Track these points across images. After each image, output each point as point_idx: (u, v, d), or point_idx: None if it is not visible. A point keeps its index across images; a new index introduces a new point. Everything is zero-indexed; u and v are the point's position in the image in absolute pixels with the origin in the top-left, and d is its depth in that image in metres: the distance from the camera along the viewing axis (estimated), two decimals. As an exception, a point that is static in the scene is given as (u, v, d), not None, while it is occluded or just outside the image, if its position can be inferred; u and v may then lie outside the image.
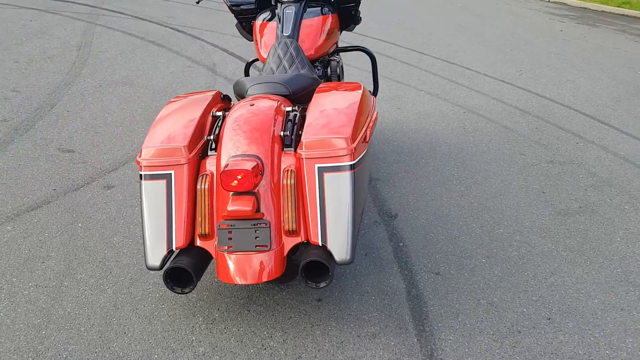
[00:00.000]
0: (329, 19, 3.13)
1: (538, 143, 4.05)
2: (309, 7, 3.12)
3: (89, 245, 2.70)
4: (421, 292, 2.45)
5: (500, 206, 3.17)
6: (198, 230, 2.10)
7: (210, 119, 2.33)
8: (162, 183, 2.11)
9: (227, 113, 2.34)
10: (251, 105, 2.27)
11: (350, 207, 2.02)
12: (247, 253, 2.02)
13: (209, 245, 2.11)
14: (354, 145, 2.05)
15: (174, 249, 2.09)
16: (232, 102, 2.61)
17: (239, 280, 2.03)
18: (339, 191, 2.02)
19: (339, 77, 3.27)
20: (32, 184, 3.23)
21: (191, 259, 2.05)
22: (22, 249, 2.66)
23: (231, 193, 2.02)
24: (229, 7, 3.26)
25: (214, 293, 2.40)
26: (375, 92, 3.56)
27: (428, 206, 3.15)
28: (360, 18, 3.33)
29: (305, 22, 3.04)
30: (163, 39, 6.28)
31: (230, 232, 2.02)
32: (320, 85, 2.48)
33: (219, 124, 2.30)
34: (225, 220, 2.03)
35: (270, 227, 2.02)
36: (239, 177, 1.96)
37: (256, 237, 2.02)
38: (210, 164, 2.17)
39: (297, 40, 2.93)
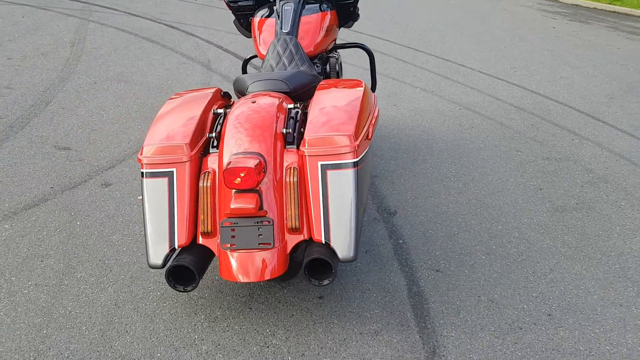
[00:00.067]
0: (328, 16, 3.12)
1: (534, 140, 4.07)
2: (307, 4, 3.11)
3: (88, 243, 2.69)
4: (422, 289, 2.46)
5: (498, 203, 3.18)
6: (200, 228, 2.09)
7: (211, 116, 2.33)
8: (164, 181, 2.10)
9: (228, 110, 2.33)
10: (253, 102, 2.26)
11: (353, 205, 2.02)
12: (250, 251, 2.02)
13: (212, 243, 2.10)
14: (357, 142, 2.05)
15: (176, 247, 2.08)
16: (232, 100, 2.60)
17: (241, 278, 2.03)
18: (342, 189, 2.02)
19: (338, 74, 3.26)
20: (28, 181, 3.21)
21: (193, 257, 2.05)
22: (21, 248, 2.64)
23: (234, 191, 2.02)
24: (227, 4, 3.24)
25: (215, 291, 2.39)
26: (373, 89, 3.57)
27: (426, 203, 3.15)
28: (359, 15, 3.33)
29: (304, 19, 3.03)
30: (157, 35, 6.25)
31: (233, 229, 2.01)
32: (322, 83, 2.48)
33: (220, 121, 2.29)
34: (228, 218, 2.02)
35: (273, 224, 2.02)
36: (242, 174, 1.96)
37: (259, 235, 2.01)
38: (212, 162, 2.16)
39: (296, 37, 2.92)
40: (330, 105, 2.22)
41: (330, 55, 3.25)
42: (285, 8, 3.00)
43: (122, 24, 6.60)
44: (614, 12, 9.75)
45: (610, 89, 5.34)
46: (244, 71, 3.63)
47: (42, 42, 5.74)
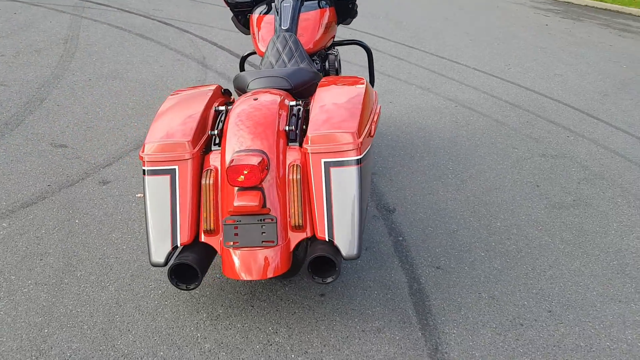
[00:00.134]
0: (327, 13, 3.12)
1: (530, 137, 4.09)
2: (306, 1, 3.10)
3: (87, 241, 2.67)
4: (423, 286, 2.47)
5: (496, 200, 3.20)
6: (203, 226, 2.09)
7: (212, 113, 2.32)
8: (166, 178, 2.09)
9: (229, 108, 2.32)
10: (254, 99, 2.25)
11: (357, 202, 2.02)
12: (253, 249, 2.02)
13: (214, 241, 2.10)
14: (360, 139, 2.05)
15: (178, 245, 2.07)
16: (232, 97, 2.59)
17: (244, 276, 2.02)
18: (345, 186, 2.02)
19: (337, 71, 3.26)
20: (25, 179, 3.18)
21: (196, 255, 2.04)
22: (20, 246, 2.62)
23: (237, 188, 2.01)
24: (224, 1, 3.23)
25: (216, 289, 2.39)
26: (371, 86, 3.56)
27: (425, 200, 3.16)
28: (357, 12, 3.33)
29: (303, 16, 3.03)
30: (151, 32, 6.22)
31: (236, 227, 2.01)
32: (323, 80, 2.48)
33: (222, 118, 2.28)
34: (231, 215, 2.02)
35: (276, 222, 2.01)
36: (245, 172, 1.95)
37: (262, 233, 2.01)
38: (214, 159, 2.16)
39: (295, 34, 2.92)
40: (333, 103, 2.21)
41: (329, 52, 3.24)
42: (284, 5, 2.99)
43: (115, 20, 6.55)
44: (605, 9, 9.80)
45: (604, 86, 5.37)
46: (242, 68, 3.62)
47: (36, 38, 5.70)
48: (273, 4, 3.08)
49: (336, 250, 2.01)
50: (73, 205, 2.96)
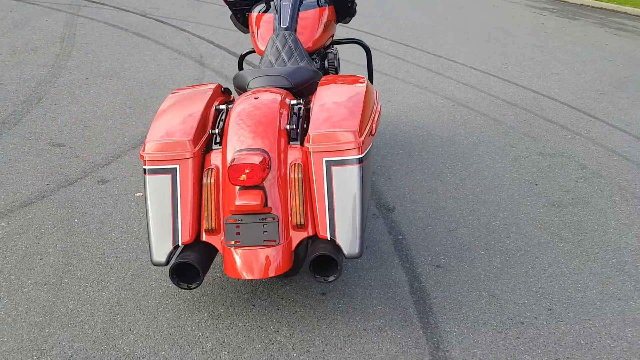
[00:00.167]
0: (326, 11, 3.12)
1: (527, 135, 4.10)
2: (305, -1, 3.10)
3: (87, 241, 2.67)
4: (423, 284, 2.47)
5: (495, 198, 3.20)
6: (204, 225, 2.08)
7: (213, 112, 2.31)
8: (167, 177, 2.09)
9: (230, 106, 2.32)
10: (255, 98, 2.25)
11: (358, 201, 2.02)
12: (255, 248, 2.01)
13: (216, 240, 2.09)
14: (362, 138, 2.05)
15: (180, 244, 2.07)
16: (232, 96, 2.59)
17: (246, 275, 2.02)
18: (347, 185, 2.02)
19: (336, 70, 3.26)
20: (24, 179, 3.17)
21: (197, 254, 2.04)
22: (19, 246, 2.61)
23: (238, 187, 2.01)
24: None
25: (217, 288, 2.39)
26: (370, 85, 3.56)
27: (424, 199, 3.17)
28: (356, 10, 3.32)
29: (303, 14, 3.02)
30: (147, 30, 6.20)
31: (238, 226, 2.01)
32: (324, 79, 2.47)
33: (223, 117, 2.28)
34: (233, 214, 2.02)
35: (278, 221, 2.01)
36: (247, 171, 1.95)
37: (264, 232, 2.01)
38: (215, 158, 2.15)
39: (294, 33, 2.91)
40: (334, 101, 2.21)
41: (329, 51, 3.24)
42: (284, 3, 2.98)
43: (111, 18, 6.54)
44: (601, 8, 9.82)
45: (600, 84, 5.38)
46: (240, 67, 3.61)
47: (32, 37, 5.67)
48: (272, 3, 3.08)
49: (338, 249, 2.01)
50: (72, 205, 2.95)
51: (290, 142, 2.16)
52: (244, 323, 2.21)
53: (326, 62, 3.19)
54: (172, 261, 2.03)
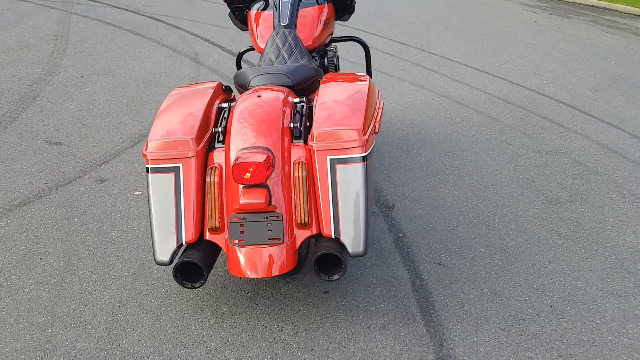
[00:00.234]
0: (325, 9, 3.11)
1: (524, 133, 4.12)
2: (304, -3, 3.10)
3: (87, 240, 2.65)
4: (425, 282, 2.48)
5: (493, 196, 3.22)
6: (208, 224, 2.08)
7: (215, 110, 2.31)
8: (170, 176, 2.08)
9: (232, 105, 2.31)
10: (258, 96, 2.24)
11: (362, 200, 2.02)
12: (259, 246, 2.01)
13: (219, 239, 2.09)
14: (366, 136, 2.05)
15: (183, 243, 2.06)
16: (233, 94, 2.58)
17: (250, 274, 2.02)
18: (351, 183, 2.02)
19: (336, 68, 3.26)
20: (22, 178, 3.15)
21: (201, 253, 2.03)
22: (19, 245, 2.60)
23: (242, 186, 2.01)
24: (222, -3, 3.21)
25: (220, 287, 2.38)
26: (368, 83, 3.56)
27: (423, 197, 3.17)
28: (354, 8, 3.32)
29: (302, 12, 3.02)
30: (142, 28, 6.17)
31: (242, 225, 2.00)
32: (326, 77, 2.47)
33: (225, 115, 2.27)
34: (237, 213, 2.01)
35: (282, 219, 2.01)
36: (251, 169, 1.95)
37: (269, 230, 2.01)
38: (218, 157, 2.15)
39: (294, 30, 2.91)
40: (337, 100, 2.21)
41: (328, 48, 3.24)
42: (283, 1, 2.98)
43: (105, 16, 6.50)
44: (593, 5, 9.87)
45: (594, 82, 5.41)
46: (239, 65, 3.60)
47: (25, 34, 5.63)
48: (271, 0, 3.07)
49: (342, 247, 2.02)
50: (71, 204, 2.93)
51: (294, 141, 2.15)
52: (248, 322, 2.20)
53: (326, 60, 3.19)
54: (176, 260, 2.03)
